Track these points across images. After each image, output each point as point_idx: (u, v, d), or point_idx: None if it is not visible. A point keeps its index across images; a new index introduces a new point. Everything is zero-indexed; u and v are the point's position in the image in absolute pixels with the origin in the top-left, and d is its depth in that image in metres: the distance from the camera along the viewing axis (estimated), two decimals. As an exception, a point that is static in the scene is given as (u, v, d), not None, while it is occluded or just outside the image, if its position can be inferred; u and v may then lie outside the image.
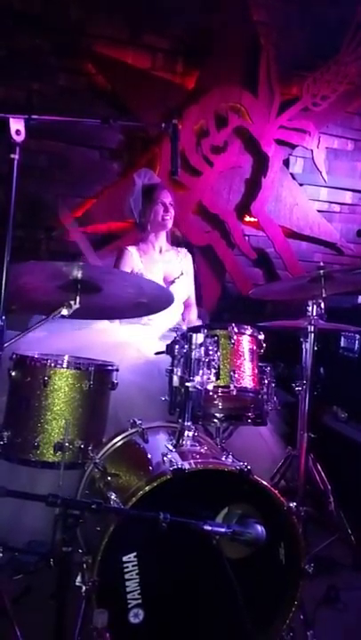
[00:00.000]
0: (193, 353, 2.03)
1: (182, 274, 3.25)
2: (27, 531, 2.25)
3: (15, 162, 1.70)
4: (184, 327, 2.85)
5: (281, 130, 4.46)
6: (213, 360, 2.11)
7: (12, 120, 1.68)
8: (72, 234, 3.07)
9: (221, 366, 2.14)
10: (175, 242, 3.37)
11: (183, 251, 3.34)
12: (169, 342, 2.15)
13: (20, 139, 1.69)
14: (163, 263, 3.22)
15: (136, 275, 3.00)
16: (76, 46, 3.99)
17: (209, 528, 1.54)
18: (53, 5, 3.93)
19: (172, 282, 3.19)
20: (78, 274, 2.02)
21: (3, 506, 2.25)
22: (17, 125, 1.69)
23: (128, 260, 3.13)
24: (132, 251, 3.16)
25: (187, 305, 3.31)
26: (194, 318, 3.30)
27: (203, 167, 4.25)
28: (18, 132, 1.68)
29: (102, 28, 4.05)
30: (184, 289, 3.24)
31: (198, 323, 3.23)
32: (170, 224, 3.21)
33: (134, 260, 3.14)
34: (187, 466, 1.72)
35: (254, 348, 2.28)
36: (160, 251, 3.24)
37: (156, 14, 4.05)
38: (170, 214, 3.17)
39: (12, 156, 1.69)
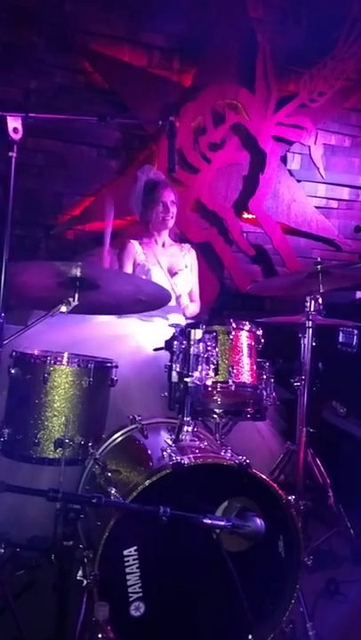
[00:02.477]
0: (191, 349, 2.05)
1: (186, 267, 3.25)
2: (28, 527, 2.26)
3: (13, 160, 1.70)
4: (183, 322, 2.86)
5: (278, 126, 4.47)
6: (212, 356, 2.13)
7: (9, 118, 1.70)
8: (107, 220, 3.12)
9: (220, 362, 2.15)
10: (177, 239, 3.37)
11: (187, 246, 3.35)
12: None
13: (17, 137, 1.70)
14: (166, 256, 3.23)
15: (133, 275, 3.00)
16: (73, 44, 3.99)
17: (209, 521, 1.55)
18: (49, 1, 3.92)
19: (176, 274, 3.19)
20: (77, 272, 2.03)
21: (5, 502, 2.26)
22: (14, 123, 1.70)
23: (131, 253, 3.16)
24: (134, 243, 3.18)
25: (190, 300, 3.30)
26: (193, 311, 3.25)
27: (200, 164, 4.25)
28: (15, 130, 1.70)
29: (98, 26, 4.05)
30: (187, 282, 3.25)
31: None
32: (171, 223, 3.21)
33: (137, 252, 3.15)
34: (186, 460, 1.73)
35: (253, 343, 2.29)
36: (163, 245, 3.25)
37: (152, 11, 4.05)
38: (170, 214, 3.16)
39: (10, 154, 1.70)
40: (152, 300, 2.31)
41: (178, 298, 3.10)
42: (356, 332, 3.37)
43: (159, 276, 3.10)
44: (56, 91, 3.98)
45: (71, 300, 2.05)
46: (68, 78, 4.04)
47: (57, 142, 4.00)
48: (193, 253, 3.34)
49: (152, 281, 2.65)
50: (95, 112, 3.84)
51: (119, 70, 4.10)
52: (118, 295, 2.25)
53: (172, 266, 3.22)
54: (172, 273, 3.18)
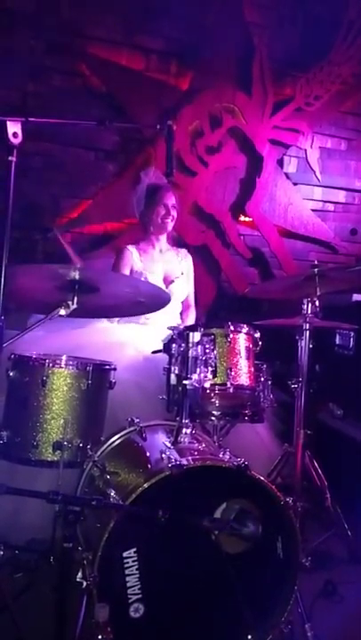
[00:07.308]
0: (190, 351, 2.05)
1: (182, 274, 3.25)
2: (27, 529, 2.27)
3: (13, 164, 1.71)
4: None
5: (275, 130, 4.49)
6: (210, 358, 2.13)
7: (9, 123, 1.70)
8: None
9: (218, 364, 2.16)
10: (175, 243, 3.38)
11: (183, 251, 3.34)
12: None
13: (17, 141, 1.71)
14: (163, 263, 3.23)
15: (132, 276, 3.01)
16: (71, 47, 4.00)
17: (207, 523, 1.57)
18: (46, 5, 3.94)
19: (172, 281, 3.19)
20: (75, 275, 2.04)
21: (3, 504, 2.27)
22: (14, 128, 1.70)
23: (128, 259, 3.14)
24: (131, 250, 3.16)
25: (185, 307, 3.31)
26: (191, 321, 3.28)
27: (198, 168, 4.27)
28: (15, 134, 1.70)
29: (96, 29, 4.07)
30: (183, 289, 3.25)
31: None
32: (170, 226, 3.20)
33: (134, 259, 3.14)
34: (185, 462, 1.74)
35: (250, 346, 2.30)
36: (160, 251, 3.25)
37: (149, 15, 4.08)
38: (171, 217, 3.16)
39: (10, 158, 1.71)
40: (151, 302, 2.32)
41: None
42: (352, 334, 3.39)
43: None
44: (54, 94, 3.99)
45: (70, 303, 2.05)
46: (65, 82, 4.05)
47: (55, 145, 4.01)
48: (189, 259, 3.33)
49: (151, 282, 2.65)
50: (93, 115, 3.89)
51: (117, 74, 4.11)
52: (117, 297, 2.25)
53: (169, 273, 3.22)
54: (169, 281, 3.19)
